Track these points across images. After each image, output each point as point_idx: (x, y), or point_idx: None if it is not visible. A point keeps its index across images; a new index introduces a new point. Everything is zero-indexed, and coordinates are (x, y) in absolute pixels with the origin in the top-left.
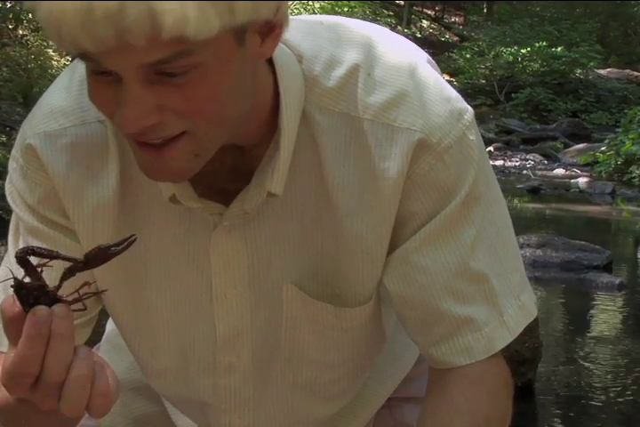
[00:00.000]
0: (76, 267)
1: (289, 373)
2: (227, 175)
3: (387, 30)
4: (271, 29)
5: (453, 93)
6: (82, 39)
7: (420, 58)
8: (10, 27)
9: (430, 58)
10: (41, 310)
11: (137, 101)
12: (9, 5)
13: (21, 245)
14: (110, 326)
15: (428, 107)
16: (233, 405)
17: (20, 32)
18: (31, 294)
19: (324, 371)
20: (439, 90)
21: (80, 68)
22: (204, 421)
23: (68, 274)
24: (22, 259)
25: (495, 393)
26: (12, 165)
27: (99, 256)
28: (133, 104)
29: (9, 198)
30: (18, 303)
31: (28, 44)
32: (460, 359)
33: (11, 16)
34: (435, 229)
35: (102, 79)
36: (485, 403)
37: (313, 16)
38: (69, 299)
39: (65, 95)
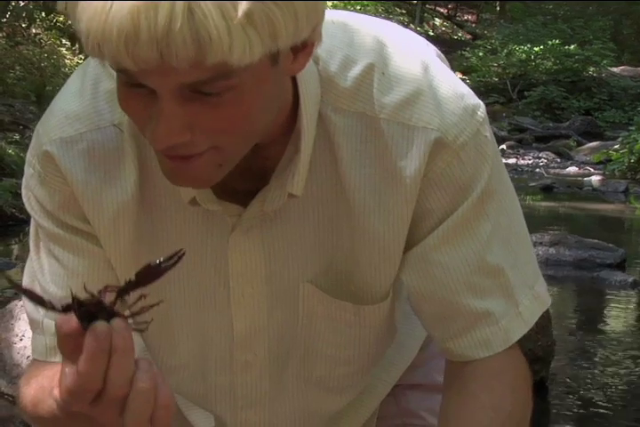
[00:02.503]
0: (129, 286)
1: (304, 369)
2: (239, 176)
3: (395, 25)
4: (304, 47)
5: (466, 89)
6: (124, 59)
7: (430, 54)
8: (23, 25)
9: (439, 51)
10: (101, 325)
11: (170, 119)
12: (22, 4)
13: (43, 252)
14: None
15: (442, 104)
16: (249, 401)
17: (34, 31)
18: (89, 310)
19: (338, 366)
20: (452, 87)
21: (92, 70)
22: (220, 417)
23: (122, 293)
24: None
25: (517, 387)
26: (28, 171)
27: (150, 273)
28: (166, 121)
29: (27, 205)
30: (75, 319)
31: (41, 43)
32: (478, 352)
33: (24, 15)
34: (453, 225)
35: (135, 91)
36: (508, 398)
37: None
38: (126, 313)
39: (78, 99)
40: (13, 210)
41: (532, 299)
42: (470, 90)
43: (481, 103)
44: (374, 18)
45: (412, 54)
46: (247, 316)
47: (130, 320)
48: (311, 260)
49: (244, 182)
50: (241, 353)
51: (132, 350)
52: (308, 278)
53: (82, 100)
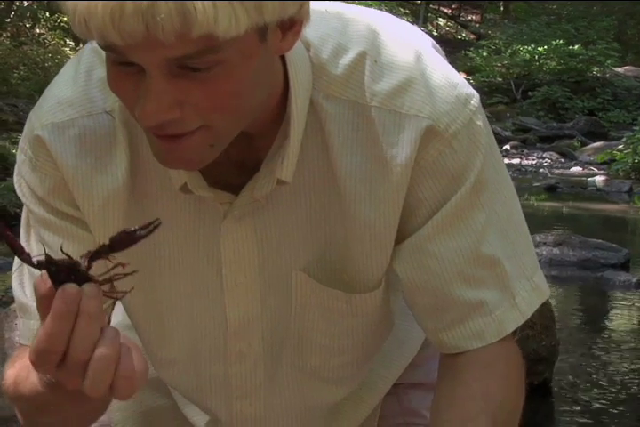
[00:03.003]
0: (101, 250)
1: (298, 359)
2: (233, 169)
3: (391, 16)
4: (292, 25)
5: (459, 79)
6: (110, 33)
7: (425, 43)
8: (27, 25)
9: (435, 43)
10: (70, 287)
11: (158, 95)
12: (26, 4)
13: (33, 238)
14: (115, 319)
15: (434, 93)
16: (244, 392)
17: (38, 31)
18: (62, 271)
19: (333, 356)
20: (445, 75)
21: (86, 58)
22: (215, 409)
23: (94, 257)
24: (42, 267)
25: (508, 377)
26: (20, 157)
27: (124, 240)
28: (155, 98)
29: (18, 191)
30: (49, 281)
31: (45, 43)
32: (471, 343)
33: (28, 15)
34: (446, 215)
35: (124, 70)
36: (500, 388)
37: (317, 3)
38: (100, 279)
39: (71, 86)
40: (17, 210)
41: (530, 290)
42: (464, 80)
43: (475, 93)
44: (369, 9)
45: (405, 43)
46: (240, 305)
47: (105, 288)
48: (304, 248)
49: (239, 175)
50: (235, 343)
51: (100, 316)
52: (301, 266)
53: (75, 86)
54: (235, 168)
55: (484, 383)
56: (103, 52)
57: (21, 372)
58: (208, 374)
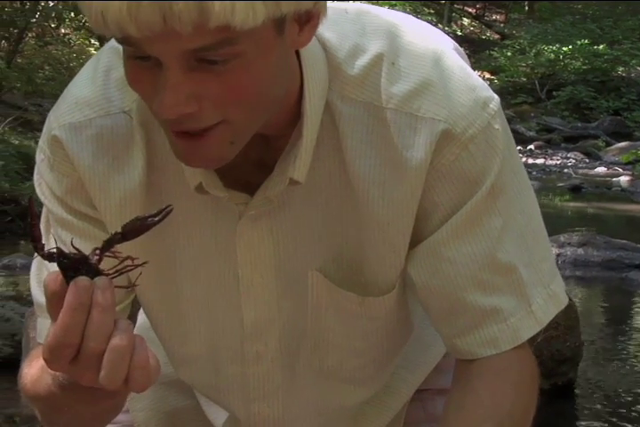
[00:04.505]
0: (114, 239)
1: (315, 360)
2: (251, 168)
3: (412, 18)
4: (309, 19)
5: (479, 82)
6: (126, 24)
7: (445, 46)
8: (52, 26)
9: (457, 45)
10: (82, 280)
11: (176, 88)
12: (51, 4)
13: (52, 237)
14: (141, 318)
15: (452, 96)
16: (261, 393)
17: (63, 31)
18: (73, 265)
19: (350, 357)
20: (464, 79)
21: (105, 57)
22: (233, 409)
23: (106, 246)
24: (52, 259)
25: (519, 386)
26: (39, 157)
27: (136, 227)
28: (172, 90)
29: (37, 190)
30: (61, 277)
31: (70, 43)
32: (485, 350)
33: (53, 15)
34: (462, 220)
35: (141, 64)
36: (510, 397)
37: (338, 3)
38: (111, 272)
39: (90, 86)
40: (41, 209)
41: (547, 298)
42: (484, 83)
43: (494, 96)
44: (391, 10)
45: (424, 45)
46: (257, 305)
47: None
48: (320, 248)
49: (258, 175)
50: (251, 343)
51: (112, 308)
52: (317, 267)
53: (93, 86)
54: (254, 168)
55: (494, 391)
56: (122, 52)
57: (37, 372)
58: (226, 374)
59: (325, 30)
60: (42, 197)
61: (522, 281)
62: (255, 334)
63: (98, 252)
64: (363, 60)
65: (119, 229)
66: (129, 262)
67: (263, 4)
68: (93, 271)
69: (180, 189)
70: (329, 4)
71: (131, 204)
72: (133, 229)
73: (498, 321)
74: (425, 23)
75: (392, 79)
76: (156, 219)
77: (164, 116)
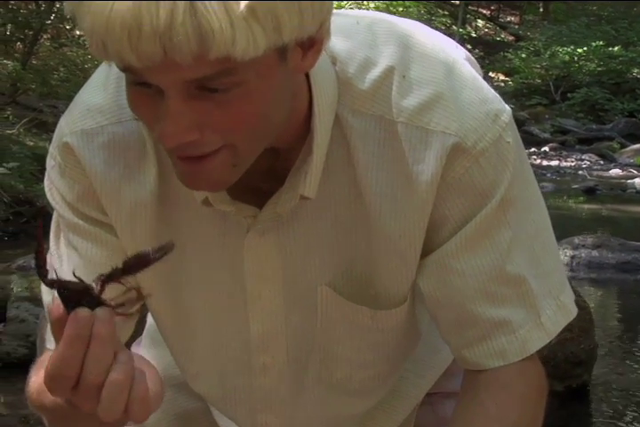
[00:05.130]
0: (114, 274)
1: (324, 373)
2: (261, 177)
3: (425, 28)
4: (312, 44)
5: (490, 94)
6: (127, 54)
7: (457, 57)
8: (67, 27)
9: (470, 55)
10: (82, 311)
11: (177, 117)
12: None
13: (62, 242)
14: (151, 319)
15: (463, 109)
16: (268, 404)
17: (78, 32)
18: (74, 295)
19: (358, 370)
20: (476, 91)
21: None
22: (240, 421)
23: (107, 280)
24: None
25: (526, 398)
26: (49, 163)
27: (137, 263)
28: (173, 120)
29: (48, 195)
30: (61, 305)
31: (85, 45)
32: (492, 362)
33: (68, 17)
34: (471, 232)
35: (143, 91)
36: (516, 409)
37: (348, 12)
38: (113, 303)
39: (102, 93)
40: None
41: (557, 309)
42: (497, 95)
43: (506, 108)
44: (403, 19)
45: (435, 57)
46: (264, 318)
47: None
48: (329, 262)
49: (268, 183)
50: (258, 356)
51: (112, 340)
52: (327, 281)
53: (105, 93)
54: (264, 176)
55: (501, 404)
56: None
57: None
58: (232, 385)
59: (335, 44)
60: (53, 203)
61: (531, 293)
62: (262, 346)
63: (100, 282)
64: (373, 74)
65: (120, 265)
66: (133, 293)
67: (264, 34)
68: (95, 302)
69: (189, 200)
70: (341, 12)
71: (141, 212)
72: (134, 265)
73: (506, 333)
74: (438, 33)
75: (403, 92)
76: (158, 255)
77: (165, 145)
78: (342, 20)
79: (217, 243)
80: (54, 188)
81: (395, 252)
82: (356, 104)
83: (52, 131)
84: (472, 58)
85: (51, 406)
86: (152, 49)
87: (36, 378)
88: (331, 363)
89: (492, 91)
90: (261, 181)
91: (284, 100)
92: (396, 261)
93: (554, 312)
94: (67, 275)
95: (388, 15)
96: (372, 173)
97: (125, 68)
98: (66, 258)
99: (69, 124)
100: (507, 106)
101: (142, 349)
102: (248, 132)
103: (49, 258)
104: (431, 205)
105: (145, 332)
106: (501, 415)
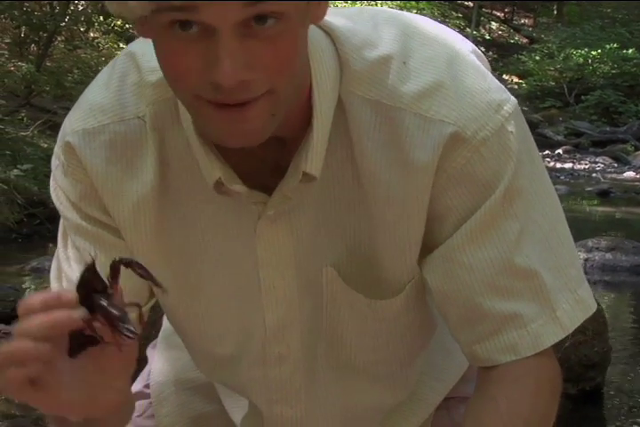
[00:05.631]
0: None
1: (331, 357)
2: (268, 172)
3: (429, 20)
4: None
5: (494, 84)
6: None
7: (461, 48)
8: (82, 29)
9: (476, 48)
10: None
11: (234, 54)
12: (80, 8)
13: (69, 243)
14: (166, 323)
15: (464, 98)
16: (284, 395)
17: (92, 34)
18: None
19: (362, 353)
20: (478, 80)
21: (120, 64)
22: (259, 409)
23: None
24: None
25: (538, 393)
26: (54, 163)
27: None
28: (231, 57)
29: (53, 196)
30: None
31: (99, 47)
32: (504, 357)
33: (82, 19)
34: (476, 224)
35: (183, 36)
36: (527, 404)
37: (355, 7)
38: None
39: (104, 92)
40: None
41: (574, 303)
42: (501, 85)
43: (510, 98)
44: (408, 13)
45: (438, 47)
46: (279, 308)
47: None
48: (334, 243)
49: (275, 179)
50: (274, 346)
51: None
52: (331, 262)
53: (107, 92)
54: (270, 171)
55: (512, 398)
56: (138, 57)
57: None
58: (248, 376)
59: (336, 23)
60: (57, 203)
61: (544, 286)
62: (277, 336)
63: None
64: (370, 56)
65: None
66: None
67: None
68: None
69: (194, 194)
70: (346, 9)
71: (144, 209)
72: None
73: (517, 327)
74: (442, 26)
75: (403, 78)
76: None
77: (225, 83)
78: (347, 9)
79: (229, 233)
80: (58, 187)
81: (391, 238)
82: (353, 86)
83: None
84: (479, 51)
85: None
86: None
87: None
88: (335, 346)
89: (497, 81)
90: (268, 177)
91: (304, 55)
92: (392, 246)
93: (571, 307)
94: (75, 274)
95: (391, 9)
96: (369, 157)
97: (168, 7)
98: (73, 258)
99: (72, 124)
100: (512, 96)
101: (157, 352)
102: (288, 75)
103: (55, 261)
104: (427, 195)
105: (160, 334)
106: (512, 410)
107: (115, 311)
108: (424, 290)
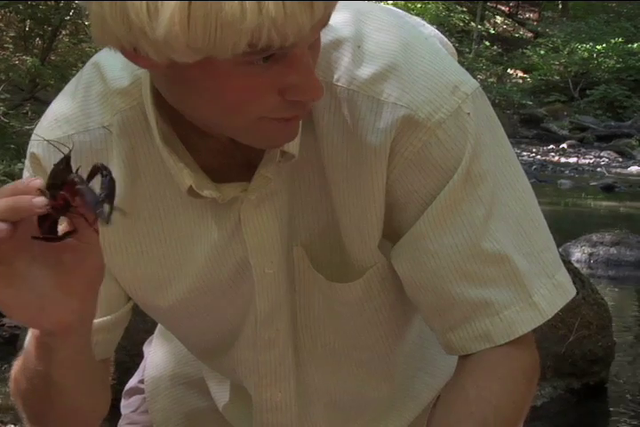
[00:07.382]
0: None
1: (315, 341)
2: (238, 169)
3: (389, 7)
4: None
5: (452, 66)
6: (303, 30)
7: (418, 33)
8: (86, 23)
9: (442, 36)
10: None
11: (313, 69)
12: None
13: None
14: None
15: (417, 81)
16: (273, 379)
17: None
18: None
19: (339, 337)
20: (434, 64)
21: (86, 74)
22: (250, 392)
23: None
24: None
25: (508, 381)
26: (25, 175)
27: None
28: (313, 71)
29: None
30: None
31: None
32: (478, 345)
33: (87, 13)
34: (439, 210)
35: (255, 70)
36: (497, 392)
37: None
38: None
39: (70, 102)
40: None
41: (552, 288)
42: (461, 68)
43: (470, 80)
44: (375, 3)
45: (395, 31)
46: (270, 292)
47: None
48: (307, 222)
49: (247, 175)
50: (264, 331)
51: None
52: (302, 241)
53: (73, 102)
54: (239, 167)
55: (481, 387)
56: (103, 67)
57: (18, 368)
58: (238, 361)
59: None
60: None
61: (518, 271)
62: (267, 320)
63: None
64: (325, 39)
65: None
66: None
67: None
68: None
69: (175, 198)
70: None
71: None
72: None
73: (490, 314)
74: (402, 12)
75: (357, 61)
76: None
77: (319, 96)
78: None
79: (211, 232)
80: None
81: (352, 221)
82: None
83: None
84: (444, 38)
85: (25, 376)
86: (320, 13)
87: (17, 361)
88: (315, 329)
89: (457, 65)
90: (239, 172)
91: None
92: (354, 231)
93: (549, 292)
94: None
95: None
96: (328, 140)
97: (258, 50)
98: None
99: (38, 135)
100: (472, 79)
101: (153, 347)
102: None
103: None
104: (383, 179)
105: (157, 331)
106: (480, 398)
107: (92, 194)
108: (392, 278)
